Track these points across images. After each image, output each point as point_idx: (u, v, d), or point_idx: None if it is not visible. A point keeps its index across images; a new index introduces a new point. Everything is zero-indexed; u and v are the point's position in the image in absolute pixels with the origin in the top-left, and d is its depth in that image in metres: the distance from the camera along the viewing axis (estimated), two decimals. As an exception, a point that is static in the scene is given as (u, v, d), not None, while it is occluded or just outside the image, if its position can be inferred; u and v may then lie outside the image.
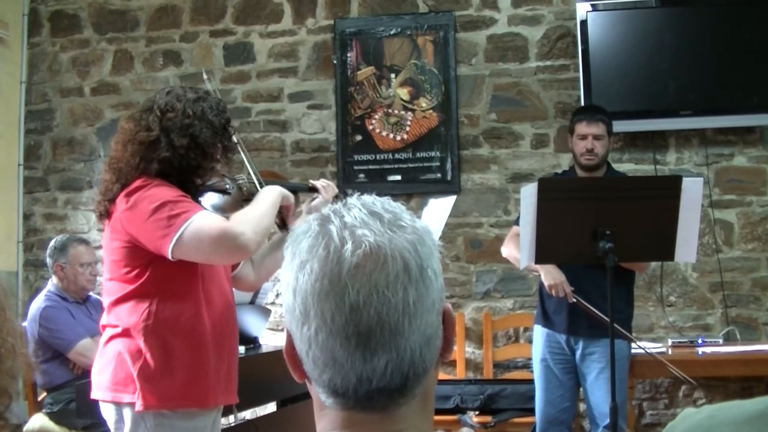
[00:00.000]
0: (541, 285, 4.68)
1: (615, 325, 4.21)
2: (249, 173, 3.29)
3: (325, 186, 3.45)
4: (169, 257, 2.83)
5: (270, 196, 3.05)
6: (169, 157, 2.93)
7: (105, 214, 2.99)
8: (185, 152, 2.94)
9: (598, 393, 4.49)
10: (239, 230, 2.81)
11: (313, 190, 3.43)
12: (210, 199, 3.19)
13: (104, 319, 3.03)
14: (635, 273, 4.74)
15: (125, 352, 2.90)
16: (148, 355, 2.87)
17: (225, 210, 3.15)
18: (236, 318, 3.24)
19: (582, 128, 4.65)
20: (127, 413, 2.90)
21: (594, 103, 5.69)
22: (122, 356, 2.90)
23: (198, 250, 2.83)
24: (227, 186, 3.22)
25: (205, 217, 2.84)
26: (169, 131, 2.93)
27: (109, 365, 2.93)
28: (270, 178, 3.47)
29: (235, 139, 3.17)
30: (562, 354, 4.65)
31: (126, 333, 2.91)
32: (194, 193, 3.06)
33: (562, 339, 4.63)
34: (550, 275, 4.52)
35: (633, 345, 4.77)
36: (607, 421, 4.36)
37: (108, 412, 2.97)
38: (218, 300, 3.05)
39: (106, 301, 3.04)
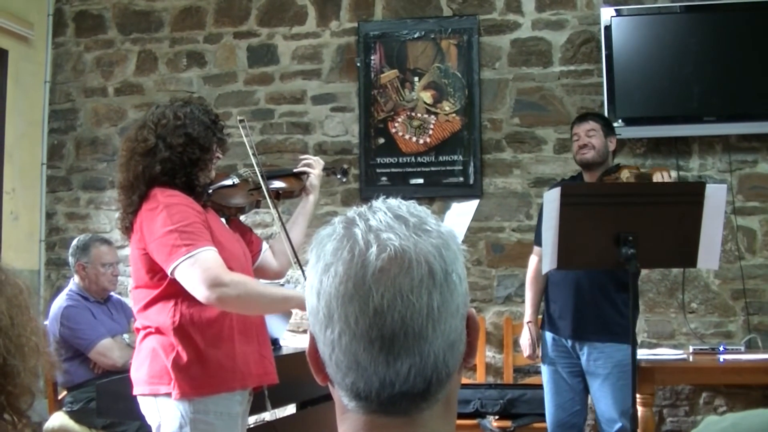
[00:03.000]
0: (548, 289, 4.71)
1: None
2: (253, 166, 3.48)
3: (309, 163, 3.73)
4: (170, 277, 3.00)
5: (287, 294, 3.11)
6: (168, 157, 3.10)
7: (130, 228, 3.14)
8: (183, 149, 3.12)
9: (603, 400, 4.48)
10: (227, 282, 2.92)
11: (302, 174, 3.71)
12: (221, 196, 3.40)
13: (137, 323, 3.19)
14: (639, 276, 4.70)
15: (159, 347, 3.05)
16: (179, 348, 3.02)
17: (239, 201, 3.44)
18: None
19: (574, 130, 4.71)
20: (164, 404, 3.04)
21: (617, 108, 5.69)
22: (156, 351, 3.06)
23: (187, 281, 2.95)
24: (232, 180, 3.46)
25: (205, 256, 2.95)
26: (165, 136, 3.12)
27: (145, 361, 3.09)
28: (266, 168, 3.67)
29: (243, 130, 3.41)
30: (569, 358, 4.64)
31: (158, 331, 3.07)
32: (202, 192, 3.21)
33: (567, 344, 4.62)
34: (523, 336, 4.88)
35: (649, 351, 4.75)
36: (615, 427, 4.37)
37: (147, 406, 3.11)
38: None
39: (135, 308, 3.19)
